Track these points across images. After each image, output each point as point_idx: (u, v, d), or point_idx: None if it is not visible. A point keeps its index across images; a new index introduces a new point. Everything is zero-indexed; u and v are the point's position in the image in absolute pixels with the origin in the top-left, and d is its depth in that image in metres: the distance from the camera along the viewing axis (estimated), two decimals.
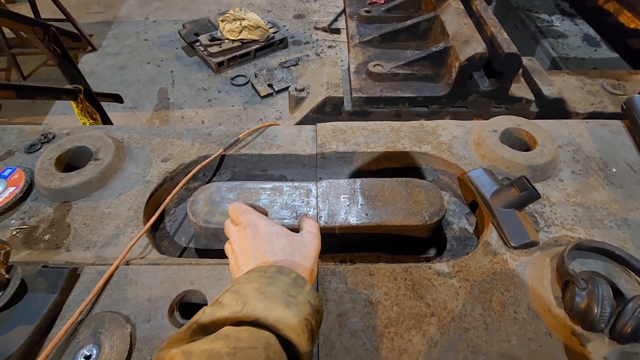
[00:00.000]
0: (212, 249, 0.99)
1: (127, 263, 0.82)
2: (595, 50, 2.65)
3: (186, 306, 0.78)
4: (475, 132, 1.13)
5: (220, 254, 1.00)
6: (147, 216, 0.95)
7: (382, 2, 2.02)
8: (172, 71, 3.56)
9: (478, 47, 1.38)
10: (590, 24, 2.71)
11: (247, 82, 3.16)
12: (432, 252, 1.01)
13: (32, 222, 0.93)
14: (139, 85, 3.48)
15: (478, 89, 1.49)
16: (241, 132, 1.12)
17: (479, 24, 1.57)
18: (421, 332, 0.75)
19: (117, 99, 2.78)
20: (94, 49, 3.85)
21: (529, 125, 1.12)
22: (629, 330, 0.66)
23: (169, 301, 0.76)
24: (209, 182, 1.13)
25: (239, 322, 0.39)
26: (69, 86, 2.23)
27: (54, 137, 1.12)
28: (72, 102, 2.23)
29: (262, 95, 3.01)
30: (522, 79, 1.60)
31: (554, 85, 1.54)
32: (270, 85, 3.02)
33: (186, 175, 1.04)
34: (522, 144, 1.12)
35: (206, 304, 0.76)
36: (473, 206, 1.06)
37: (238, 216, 0.56)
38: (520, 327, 0.76)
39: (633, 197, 0.99)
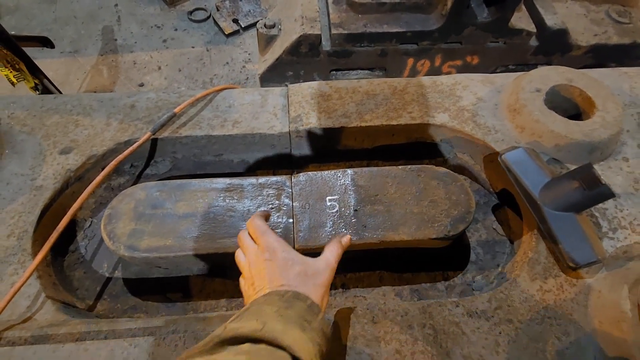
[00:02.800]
0: (148, 277, 0.71)
1: None
2: None
3: None
4: (509, 92, 0.82)
5: (160, 285, 0.71)
6: (39, 243, 0.64)
7: None
8: (116, 5, 2.97)
9: None
10: None
11: (208, 17, 2.65)
12: (445, 262, 0.76)
13: None
14: (77, 24, 2.90)
15: (475, 20, 1.25)
16: (179, 104, 0.78)
17: None
18: None
19: (45, 42, 2.23)
20: None
21: (583, 79, 0.81)
22: None
23: None
24: (140, 175, 0.80)
25: (257, 340, 0.40)
26: None
27: None
28: None
29: (226, 32, 2.54)
30: (523, 7, 1.35)
31: (557, 13, 1.32)
32: (235, 21, 2.53)
33: (102, 170, 0.71)
34: (571, 106, 0.83)
35: None
36: (503, 196, 0.79)
37: (258, 236, 0.55)
38: None
39: None
